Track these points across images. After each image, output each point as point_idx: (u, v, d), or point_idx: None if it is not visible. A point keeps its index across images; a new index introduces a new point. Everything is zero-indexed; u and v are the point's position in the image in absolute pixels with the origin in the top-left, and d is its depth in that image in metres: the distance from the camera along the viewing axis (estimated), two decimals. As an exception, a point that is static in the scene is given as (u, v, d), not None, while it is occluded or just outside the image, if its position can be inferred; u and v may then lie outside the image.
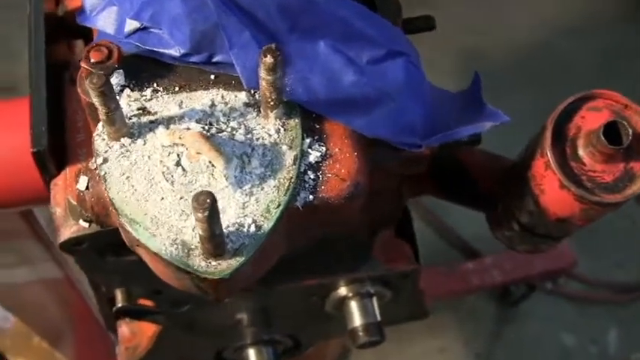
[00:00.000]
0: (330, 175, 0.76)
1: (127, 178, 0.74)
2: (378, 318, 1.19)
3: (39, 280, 1.50)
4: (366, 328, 1.18)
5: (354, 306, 1.20)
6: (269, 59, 0.69)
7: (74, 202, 0.85)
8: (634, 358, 2.44)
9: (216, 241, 0.67)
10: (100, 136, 0.76)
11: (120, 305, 1.04)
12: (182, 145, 0.73)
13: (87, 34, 1.02)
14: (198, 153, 0.71)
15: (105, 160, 0.75)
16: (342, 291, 1.20)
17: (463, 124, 0.83)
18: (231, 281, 0.70)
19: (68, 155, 0.89)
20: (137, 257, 0.94)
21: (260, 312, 1.20)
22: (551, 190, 0.87)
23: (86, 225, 0.86)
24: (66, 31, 0.96)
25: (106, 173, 0.74)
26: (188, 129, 0.74)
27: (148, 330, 1.24)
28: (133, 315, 1.10)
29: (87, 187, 0.81)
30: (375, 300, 1.20)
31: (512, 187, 0.96)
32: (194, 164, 0.72)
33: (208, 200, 0.62)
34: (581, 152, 0.85)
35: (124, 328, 1.28)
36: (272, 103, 0.74)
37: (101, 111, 0.71)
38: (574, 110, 0.87)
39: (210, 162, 0.72)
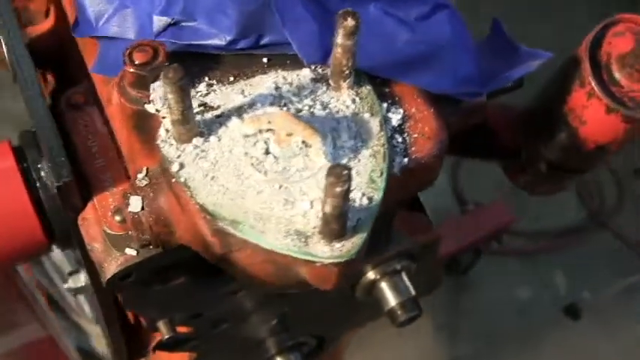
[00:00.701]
0: (416, 136, 0.73)
1: (213, 178, 0.68)
2: (412, 292, 1.17)
3: (22, 345, 1.38)
4: (404, 306, 1.15)
5: (385, 287, 1.16)
6: (350, 22, 0.65)
7: (115, 233, 0.78)
8: (584, 295, 2.53)
9: (344, 219, 0.63)
10: (167, 142, 0.70)
11: (167, 337, 0.96)
12: (267, 130, 0.68)
13: (56, 62, 0.95)
14: (288, 135, 0.67)
15: (181, 166, 0.69)
16: (371, 275, 1.16)
17: (508, 68, 0.83)
18: (354, 262, 0.66)
19: (91, 184, 0.82)
20: (183, 281, 0.88)
21: (291, 316, 1.15)
22: (594, 118, 0.88)
23: (134, 253, 0.79)
24: (35, 62, 0.88)
25: (187, 179, 0.68)
26: (268, 113, 0.68)
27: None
28: (175, 346, 1.03)
29: (142, 208, 0.74)
30: (404, 275, 1.18)
31: (539, 129, 0.97)
32: (285, 149, 0.68)
33: (345, 172, 0.57)
34: (617, 76, 0.87)
35: (146, 365, 1.20)
36: (347, 72, 0.70)
37: (176, 109, 0.65)
38: (599, 39, 0.89)
39: (302, 143, 0.68)
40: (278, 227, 0.66)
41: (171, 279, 0.89)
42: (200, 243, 0.74)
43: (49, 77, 1.04)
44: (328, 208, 0.61)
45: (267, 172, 0.68)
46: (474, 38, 0.83)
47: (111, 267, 0.80)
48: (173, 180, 0.69)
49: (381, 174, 0.69)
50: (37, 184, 0.87)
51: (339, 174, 0.57)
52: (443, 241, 2.60)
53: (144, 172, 0.74)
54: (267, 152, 0.68)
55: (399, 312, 1.15)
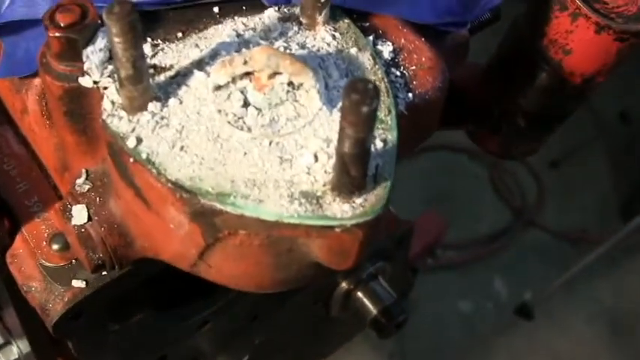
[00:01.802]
0: (414, 68, 0.61)
1: (182, 148, 0.53)
2: (394, 295, 1.04)
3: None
4: (387, 312, 1.03)
5: (362, 296, 1.03)
6: None
7: (54, 264, 0.64)
8: (527, 296, 2.46)
9: (366, 160, 0.49)
10: (115, 116, 0.55)
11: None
12: (242, 77, 0.54)
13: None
14: (270, 77, 0.53)
15: (139, 140, 0.54)
16: (344, 285, 1.03)
17: None
18: (380, 222, 0.52)
19: (17, 213, 0.68)
20: (143, 317, 0.74)
21: (263, 349, 1.00)
22: (582, 43, 0.79)
23: (82, 284, 0.65)
24: None
25: (149, 155, 0.53)
26: (240, 54, 0.54)
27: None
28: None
29: (89, 218, 0.59)
30: (380, 279, 1.05)
31: (513, 76, 0.87)
32: (268, 95, 0.54)
33: (370, 85, 0.44)
34: None
35: None
36: (322, 1, 0.57)
37: (127, 59, 0.51)
38: None
39: (289, 84, 0.54)
40: (279, 192, 0.52)
41: (130, 315, 0.74)
42: (171, 245, 0.58)
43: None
44: (348, 145, 0.47)
45: (252, 128, 0.54)
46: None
47: (57, 307, 0.65)
48: (131, 160, 0.54)
49: (390, 111, 0.55)
50: None
51: (364, 89, 0.44)
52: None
53: (83, 175, 0.60)
54: (245, 104, 0.54)
55: (383, 320, 1.02)
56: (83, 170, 0.61)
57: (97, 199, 0.60)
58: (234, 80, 0.54)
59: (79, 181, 0.60)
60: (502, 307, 2.50)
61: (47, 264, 0.65)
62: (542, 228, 2.66)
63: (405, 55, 0.61)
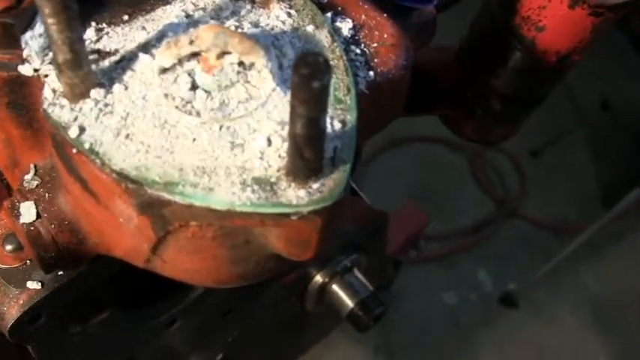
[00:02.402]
0: (376, 45, 0.57)
1: (127, 136, 0.50)
2: (370, 287, 1.01)
3: None
4: (365, 305, 0.99)
5: (338, 289, 1.00)
6: None
7: (8, 266, 0.61)
8: (511, 287, 2.44)
9: (321, 142, 0.46)
10: (57, 105, 0.51)
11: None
12: (190, 59, 0.50)
13: None
14: (219, 57, 0.49)
15: (81, 130, 0.50)
16: (318, 278, 1.00)
17: None
18: (339, 207, 0.49)
19: None
20: (106, 317, 0.70)
21: (237, 347, 0.97)
22: (555, 19, 0.76)
23: (38, 286, 0.61)
24: None
25: (92, 145, 0.50)
26: (186, 34, 0.51)
27: None
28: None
29: (38, 215, 0.56)
30: (355, 271, 1.02)
31: (484, 59, 0.84)
32: (218, 77, 0.50)
33: (321, 59, 0.41)
34: None
35: None
36: (275, -25, 0.54)
37: (64, 42, 0.47)
38: None
39: (239, 64, 0.50)
40: (230, 179, 0.48)
41: (92, 315, 0.70)
42: (124, 240, 0.55)
43: None
44: (300, 125, 0.44)
45: (200, 112, 0.50)
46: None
47: (12, 310, 0.62)
48: (74, 151, 0.50)
49: (349, 90, 0.52)
50: None
51: (315, 62, 0.40)
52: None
53: (32, 170, 0.56)
54: (194, 87, 0.51)
55: (360, 313, 0.99)
56: (32, 165, 0.58)
57: (46, 195, 0.56)
58: (180, 62, 0.51)
59: (28, 177, 0.57)
60: (486, 298, 2.48)
61: (1, 265, 0.62)
62: (525, 218, 2.65)
63: (366, 32, 0.58)
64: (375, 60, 0.56)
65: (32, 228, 0.56)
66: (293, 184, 0.48)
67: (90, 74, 0.50)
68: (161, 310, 0.79)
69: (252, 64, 0.51)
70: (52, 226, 0.56)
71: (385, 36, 0.58)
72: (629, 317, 2.39)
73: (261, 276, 0.58)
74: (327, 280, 1.00)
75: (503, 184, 2.72)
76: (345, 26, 0.57)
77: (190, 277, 0.57)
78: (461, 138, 0.96)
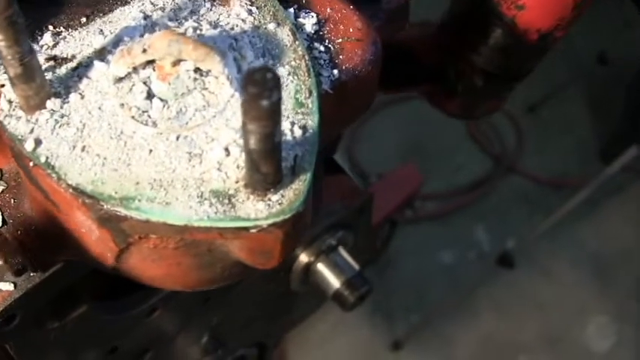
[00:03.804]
0: (340, 41, 0.56)
1: (83, 149, 0.49)
2: (356, 267, 1.00)
3: None
4: (350, 284, 0.99)
5: (323, 268, 0.99)
6: None
7: None
8: (510, 245, 2.44)
9: (278, 154, 0.44)
10: (13, 116, 0.50)
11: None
12: (145, 66, 0.49)
13: None
14: (174, 65, 0.48)
15: (37, 143, 0.49)
16: (304, 257, 0.99)
17: None
18: (302, 217, 0.48)
19: None
20: (86, 309, 0.69)
21: (223, 328, 0.96)
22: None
23: (10, 287, 0.60)
24: None
25: (48, 158, 0.48)
26: (139, 42, 0.49)
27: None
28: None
29: (3, 222, 0.55)
30: (341, 250, 1.01)
31: (467, 34, 0.82)
32: (174, 85, 0.49)
33: (270, 75, 0.39)
34: None
35: None
36: (232, -27, 0.52)
37: (13, 58, 0.45)
38: None
39: (196, 70, 0.49)
40: (187, 192, 0.47)
41: (69, 311, 0.69)
42: (89, 248, 0.54)
43: None
44: (254, 141, 0.42)
45: (157, 122, 0.49)
46: None
47: None
48: (31, 164, 0.49)
49: (310, 93, 0.51)
50: None
51: (263, 79, 0.39)
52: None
53: None
54: (150, 96, 0.49)
55: (346, 293, 0.98)
56: None
57: (12, 200, 0.56)
58: (136, 70, 0.49)
59: None
60: (485, 255, 2.48)
61: None
62: (523, 174, 2.63)
63: (331, 26, 0.56)
64: (340, 57, 0.55)
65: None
66: (252, 197, 0.47)
67: (44, 85, 0.49)
68: (140, 300, 0.79)
69: (209, 70, 0.49)
70: (19, 232, 0.55)
71: (351, 30, 0.56)
72: (628, 273, 2.39)
73: (230, 279, 0.57)
74: (312, 259, 0.99)
75: (501, 140, 2.70)
76: (309, 22, 0.55)
77: (158, 283, 0.56)
78: (445, 114, 0.94)
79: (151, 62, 0.49)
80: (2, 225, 0.56)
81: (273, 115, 0.40)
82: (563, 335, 2.29)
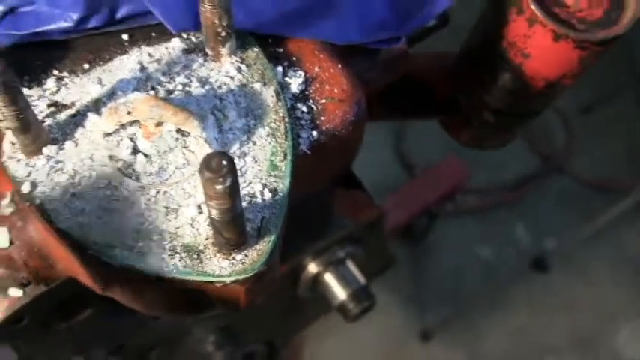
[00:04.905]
0: (324, 102, 0.58)
1: (74, 195, 0.53)
2: (362, 280, 1.03)
3: None
4: (355, 297, 1.02)
5: (331, 279, 1.03)
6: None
7: None
8: (550, 245, 2.43)
9: (239, 223, 0.48)
10: (13, 158, 0.55)
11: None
12: (132, 124, 0.53)
13: None
14: (158, 125, 0.52)
15: (34, 186, 0.54)
16: (312, 268, 1.03)
17: (426, 3, 0.68)
18: (265, 274, 0.52)
19: None
20: (92, 312, 0.74)
21: (232, 328, 1.01)
22: (540, 50, 0.75)
23: (19, 293, 0.65)
24: None
25: (43, 202, 0.53)
26: (128, 101, 0.53)
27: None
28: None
29: (11, 242, 0.59)
30: (349, 263, 1.04)
31: (478, 76, 0.84)
32: (157, 143, 0.53)
33: (225, 162, 0.43)
34: None
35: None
36: (223, 34, 0.56)
37: (9, 114, 0.50)
38: None
39: (177, 131, 0.53)
40: (161, 245, 0.51)
41: (74, 313, 0.75)
42: (81, 275, 0.59)
43: None
44: (215, 213, 0.46)
45: (140, 177, 0.53)
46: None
47: None
48: (28, 204, 0.54)
49: (285, 156, 0.54)
50: None
51: (217, 165, 0.43)
52: (396, 211, 2.46)
53: (8, 197, 0.60)
54: (135, 151, 0.53)
55: (350, 305, 1.02)
56: (8, 192, 0.61)
57: (19, 223, 0.60)
58: (124, 126, 0.53)
59: (4, 202, 0.61)
60: (522, 254, 2.48)
61: None
62: (570, 175, 2.61)
63: (317, 86, 0.59)
64: (322, 118, 0.58)
65: (6, 253, 0.60)
66: (218, 254, 0.51)
67: (41, 134, 0.53)
68: None
69: (188, 132, 0.53)
70: (23, 252, 0.60)
71: (336, 91, 0.59)
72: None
73: (214, 308, 0.61)
74: (320, 269, 1.03)
75: (549, 139, 2.67)
76: (295, 81, 0.58)
77: (146, 310, 0.61)
78: (459, 143, 0.96)
79: (136, 121, 0.53)
80: (10, 244, 0.61)
81: (229, 195, 0.44)
82: (594, 338, 2.29)
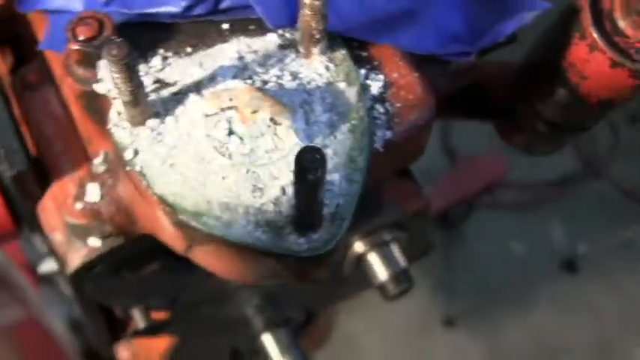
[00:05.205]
0: (399, 105, 0.65)
1: (171, 165, 0.60)
2: (404, 264, 1.10)
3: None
4: (395, 279, 1.08)
5: (375, 259, 1.09)
6: (317, -20, 0.57)
7: (77, 222, 0.70)
8: (582, 249, 2.47)
9: (318, 210, 0.55)
10: (119, 126, 0.62)
11: (143, 326, 0.89)
12: (230, 108, 0.60)
13: (11, 38, 0.86)
14: (254, 112, 0.58)
15: (136, 153, 0.61)
16: (359, 247, 1.09)
17: (499, 21, 0.74)
18: (334, 253, 0.58)
19: (49, 170, 0.75)
20: (158, 266, 0.81)
21: (275, 296, 1.09)
22: (597, 74, 0.80)
23: (98, 243, 0.72)
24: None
25: (142, 167, 0.60)
26: (229, 89, 0.60)
27: (156, 347, 1.10)
28: (152, 332, 0.96)
29: (101, 197, 0.66)
30: (393, 246, 1.11)
31: (535, 87, 0.89)
32: (251, 127, 0.59)
33: (318, 157, 0.49)
34: (622, 25, 0.78)
35: (124, 352, 1.14)
36: (318, 36, 0.62)
37: (125, 90, 0.57)
38: None
39: (270, 119, 0.59)
40: (247, 217, 0.58)
41: (142, 266, 0.82)
42: (164, 234, 0.66)
43: (7, 53, 0.95)
44: (300, 199, 0.53)
45: (232, 155, 0.60)
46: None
47: (74, 259, 0.72)
48: (128, 168, 0.61)
49: (362, 152, 0.61)
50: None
51: (312, 159, 0.49)
52: (434, 198, 2.52)
53: (101, 156, 0.67)
54: (230, 133, 0.60)
55: (390, 286, 1.08)
56: (102, 151, 0.68)
57: (109, 180, 0.67)
58: (223, 110, 0.60)
59: (97, 161, 0.67)
60: (554, 254, 2.51)
61: (70, 220, 0.71)
62: (610, 182, 2.63)
63: (394, 90, 0.65)
64: (396, 120, 0.64)
65: (95, 206, 0.67)
66: (295, 232, 0.57)
67: (147, 109, 0.60)
68: None
69: (280, 121, 0.59)
70: (112, 208, 0.67)
71: (410, 97, 0.65)
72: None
73: (276, 280, 0.68)
74: (366, 249, 1.09)
75: (594, 143, 2.69)
76: (375, 85, 0.65)
77: (220, 273, 0.68)
78: (509, 145, 1.02)
79: (234, 107, 0.60)
80: (100, 199, 0.68)
81: (316, 187, 0.51)
82: (615, 348, 2.33)
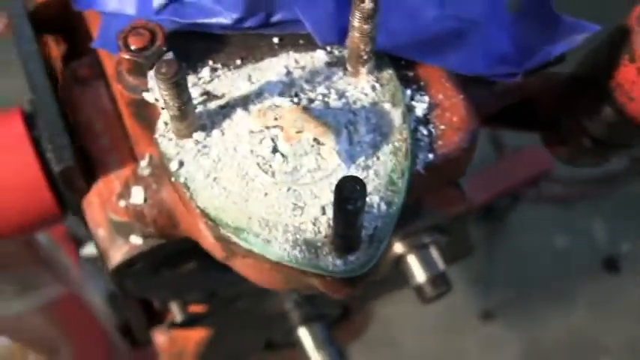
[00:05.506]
0: (443, 127, 0.65)
1: (215, 179, 0.61)
2: (441, 267, 1.10)
3: (38, 307, 1.35)
4: (433, 282, 1.09)
5: (413, 261, 1.10)
6: (368, 4, 0.57)
7: (120, 219, 0.72)
8: (624, 247, 2.44)
9: (357, 234, 0.55)
10: (165, 137, 0.63)
11: (181, 319, 0.92)
12: (275, 126, 0.60)
13: (66, 28, 0.88)
14: (298, 132, 0.59)
15: (181, 164, 0.62)
16: (398, 248, 1.10)
17: (548, 43, 0.73)
18: (369, 275, 0.59)
19: (96, 165, 0.76)
20: (196, 265, 0.83)
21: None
22: (645, 95, 0.79)
23: (139, 241, 0.73)
24: (41, 28, 0.81)
25: (187, 179, 0.61)
26: (275, 106, 0.61)
27: (192, 335, 1.12)
28: (189, 324, 0.98)
29: (145, 200, 0.68)
30: (432, 249, 1.11)
31: (582, 103, 0.88)
32: (295, 146, 0.60)
33: (359, 188, 0.50)
34: None
35: (161, 337, 1.17)
36: (365, 57, 0.62)
37: (173, 106, 0.58)
38: None
39: (314, 139, 0.60)
40: (285, 236, 0.59)
41: (181, 264, 0.84)
42: (204, 241, 0.68)
43: (61, 43, 0.97)
44: (339, 223, 0.54)
45: (276, 173, 0.61)
46: (509, 9, 0.73)
47: (115, 256, 0.74)
48: (172, 179, 0.62)
49: (403, 174, 0.61)
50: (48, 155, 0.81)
51: (351, 189, 0.50)
52: (478, 189, 2.51)
53: (147, 159, 0.68)
54: (274, 150, 0.61)
55: (427, 288, 1.09)
56: (147, 155, 0.70)
57: (154, 184, 0.68)
58: (268, 127, 0.61)
59: (143, 163, 0.69)
60: (596, 251, 2.50)
61: (113, 217, 0.73)
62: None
63: (439, 112, 0.65)
64: (439, 142, 0.64)
65: (138, 208, 0.69)
66: (334, 253, 0.58)
67: (193, 123, 0.61)
68: None
69: (324, 142, 0.60)
70: (154, 211, 0.69)
71: (454, 119, 0.65)
72: None
73: (311, 291, 0.69)
74: (405, 251, 1.10)
75: (644, 142, 2.65)
76: (420, 106, 0.65)
77: (256, 282, 0.69)
78: (553, 156, 1.01)
79: (279, 126, 0.61)
80: (144, 202, 0.70)
81: (356, 215, 0.52)
82: (654, 350, 2.32)
